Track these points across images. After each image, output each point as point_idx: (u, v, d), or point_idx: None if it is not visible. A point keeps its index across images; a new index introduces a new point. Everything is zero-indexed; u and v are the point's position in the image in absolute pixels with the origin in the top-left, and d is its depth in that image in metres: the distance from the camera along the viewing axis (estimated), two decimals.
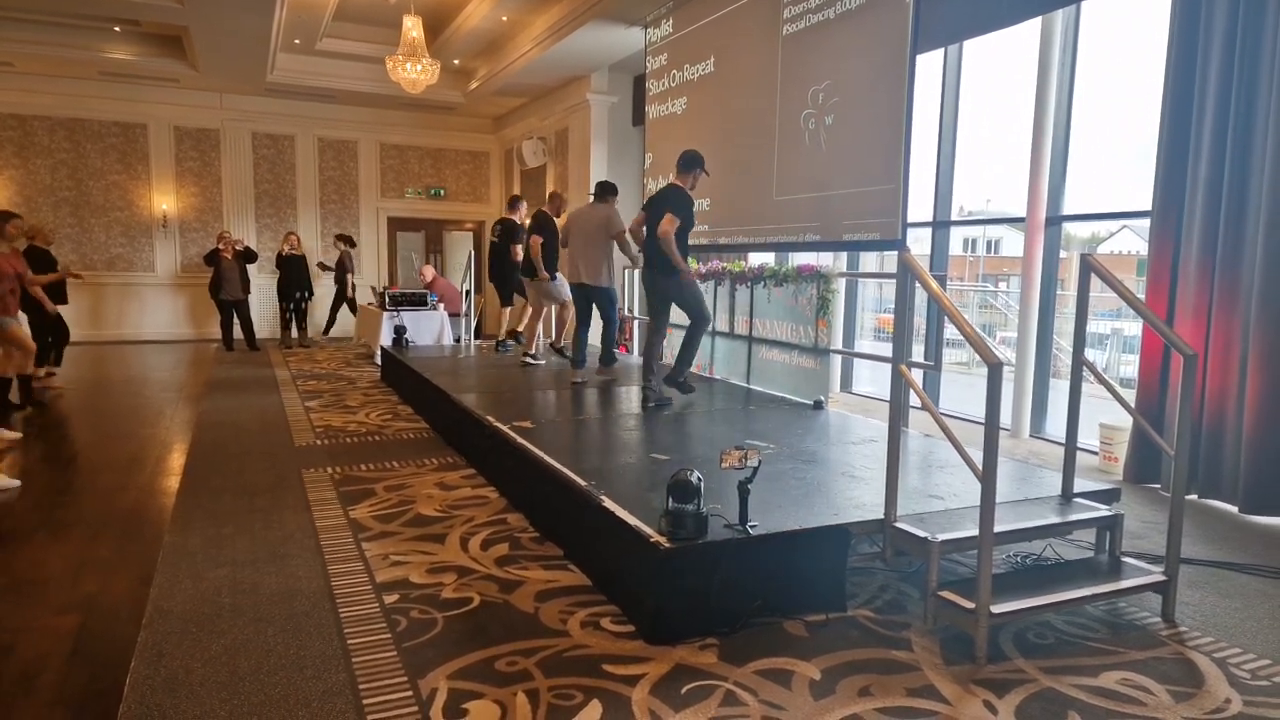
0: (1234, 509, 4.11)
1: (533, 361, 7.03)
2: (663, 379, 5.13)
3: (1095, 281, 3.07)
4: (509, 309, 8.01)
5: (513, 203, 7.84)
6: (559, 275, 6.86)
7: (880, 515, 2.92)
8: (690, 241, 5.80)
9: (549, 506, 3.55)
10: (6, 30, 9.05)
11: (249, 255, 10.23)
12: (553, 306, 7.25)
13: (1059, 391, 5.56)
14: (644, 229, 5.13)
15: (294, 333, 10.75)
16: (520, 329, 7.56)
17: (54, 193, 10.88)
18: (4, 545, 3.44)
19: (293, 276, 10.43)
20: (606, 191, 6.02)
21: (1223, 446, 4.18)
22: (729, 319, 6.36)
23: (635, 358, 8.07)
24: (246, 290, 10.20)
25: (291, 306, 10.62)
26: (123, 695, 2.20)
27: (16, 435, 5.18)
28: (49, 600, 2.88)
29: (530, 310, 7.35)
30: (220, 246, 9.99)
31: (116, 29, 9.27)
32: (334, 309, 11.15)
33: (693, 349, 5.23)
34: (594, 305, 6.16)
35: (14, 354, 5.80)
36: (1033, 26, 5.46)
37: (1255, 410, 3.98)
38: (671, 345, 5.85)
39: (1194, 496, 4.28)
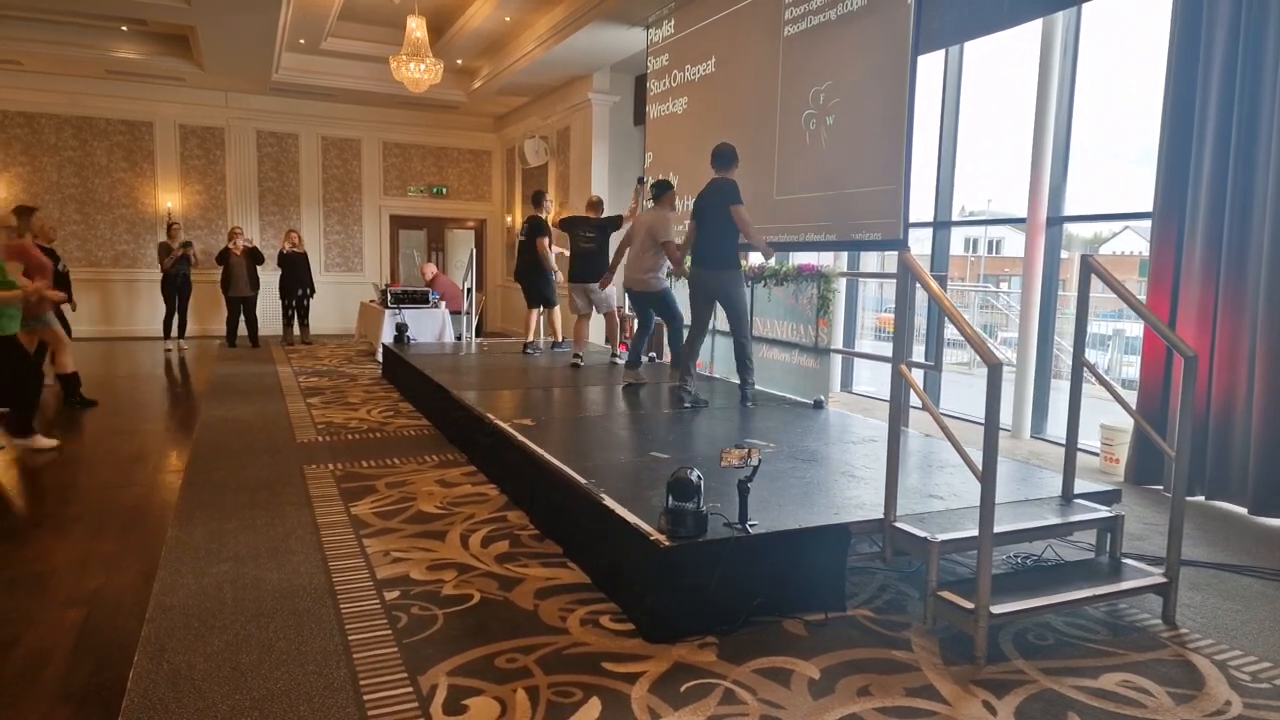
0: (1243, 510, 4.10)
1: (579, 361, 6.74)
2: (743, 397, 5.03)
3: (1096, 282, 3.07)
4: (537, 312, 7.73)
5: (537, 199, 7.61)
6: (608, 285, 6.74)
7: (880, 515, 2.92)
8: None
9: (549, 504, 3.56)
10: (15, 29, 9.09)
11: (256, 255, 10.27)
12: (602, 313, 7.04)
13: (1060, 392, 5.55)
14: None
15: (296, 330, 10.78)
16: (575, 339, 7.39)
17: (60, 190, 10.93)
18: (9, 539, 3.46)
19: (295, 274, 10.46)
20: (660, 191, 5.80)
21: (1230, 448, 4.17)
22: None
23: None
24: (255, 287, 10.25)
25: (293, 304, 10.65)
26: (126, 689, 2.22)
27: (53, 442, 5.00)
28: (53, 594, 2.90)
29: (579, 317, 7.14)
30: (230, 245, 10.06)
31: (124, 28, 9.31)
32: (180, 308, 9.86)
33: (747, 357, 5.08)
34: (652, 312, 5.97)
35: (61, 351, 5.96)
36: (1034, 27, 5.46)
37: (1263, 411, 3.97)
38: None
39: (1202, 498, 4.27)
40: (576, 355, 6.90)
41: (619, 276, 6.32)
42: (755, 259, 6.48)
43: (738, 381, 5.28)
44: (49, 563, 3.19)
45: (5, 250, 5.69)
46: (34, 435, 4.88)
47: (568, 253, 7.26)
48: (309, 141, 12.12)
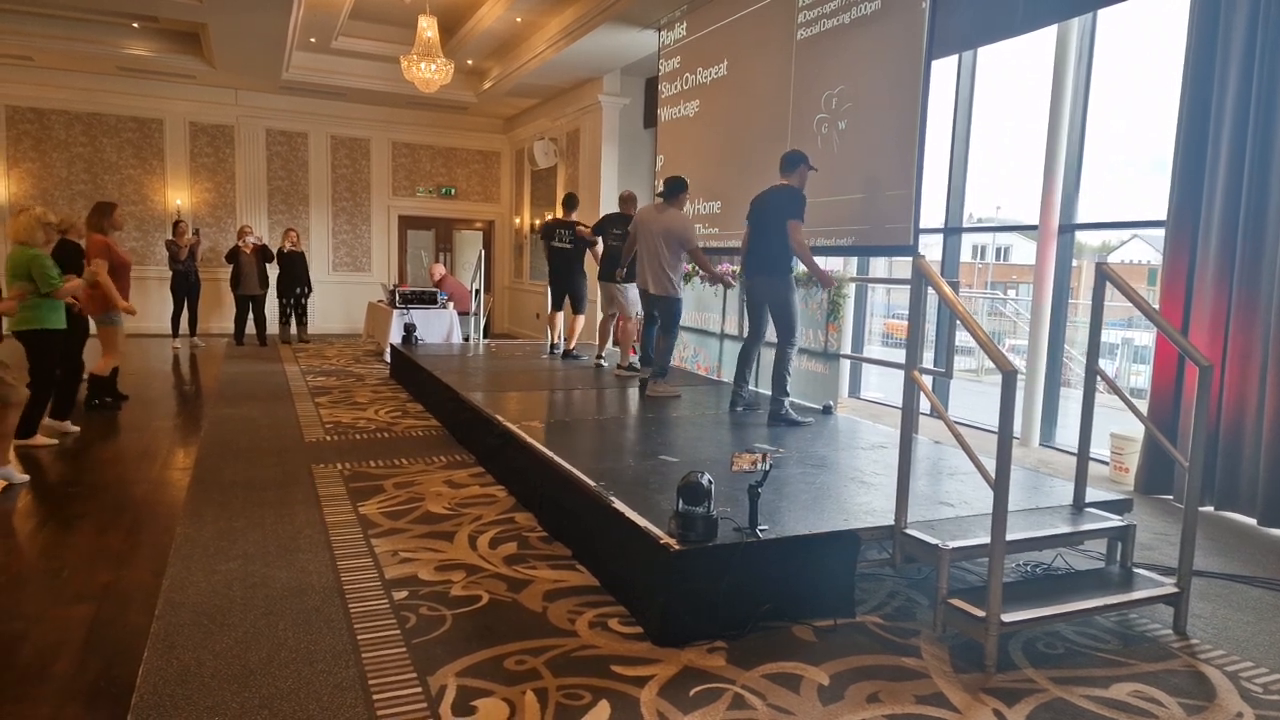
0: (1253, 521, 4.08)
1: (629, 372, 6.45)
2: (770, 414, 4.83)
3: (1109, 290, 3.06)
4: (581, 317, 7.53)
5: (572, 202, 7.33)
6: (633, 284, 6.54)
7: (890, 521, 2.91)
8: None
9: (557, 506, 3.56)
10: (27, 25, 9.14)
11: (266, 254, 10.32)
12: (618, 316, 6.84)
13: (1069, 400, 5.53)
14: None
15: (293, 329, 10.81)
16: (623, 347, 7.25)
17: (70, 186, 10.97)
18: (18, 535, 3.47)
19: (293, 273, 10.51)
20: (676, 190, 5.45)
21: (1240, 458, 4.15)
22: (738, 322, 6.36)
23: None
24: (264, 286, 10.31)
25: (291, 302, 10.70)
26: (135, 686, 2.22)
27: (54, 441, 4.99)
28: (63, 590, 2.90)
29: (603, 316, 7.05)
30: (240, 244, 10.11)
31: (135, 25, 9.35)
32: (191, 305, 9.95)
33: (785, 372, 4.79)
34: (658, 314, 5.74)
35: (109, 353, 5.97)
36: (1049, 33, 5.44)
37: (1274, 422, 3.95)
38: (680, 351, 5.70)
39: (1211, 508, 4.25)
40: (600, 357, 6.98)
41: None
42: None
43: (769, 394, 4.91)
44: (58, 558, 3.20)
45: (92, 248, 5.70)
46: (35, 435, 4.89)
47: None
48: (318, 140, 12.16)
